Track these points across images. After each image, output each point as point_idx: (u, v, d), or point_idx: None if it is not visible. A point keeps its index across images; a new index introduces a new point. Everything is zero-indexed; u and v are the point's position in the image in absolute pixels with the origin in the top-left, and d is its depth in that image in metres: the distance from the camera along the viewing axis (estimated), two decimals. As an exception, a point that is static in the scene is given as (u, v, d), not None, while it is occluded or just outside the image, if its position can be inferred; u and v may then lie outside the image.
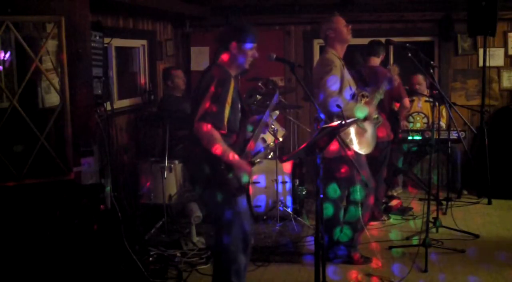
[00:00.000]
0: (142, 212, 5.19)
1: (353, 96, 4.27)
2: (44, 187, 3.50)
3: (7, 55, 3.71)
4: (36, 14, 3.48)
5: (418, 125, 6.40)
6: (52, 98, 3.88)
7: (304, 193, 5.84)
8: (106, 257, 3.72)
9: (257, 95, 5.41)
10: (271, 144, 5.17)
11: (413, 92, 6.25)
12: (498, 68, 6.81)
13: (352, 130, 4.19)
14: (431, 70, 4.52)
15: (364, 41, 5.57)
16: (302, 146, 3.16)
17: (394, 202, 5.80)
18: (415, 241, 4.80)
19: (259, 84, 5.55)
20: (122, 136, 5.61)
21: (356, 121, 4.15)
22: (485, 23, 6.10)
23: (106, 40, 4.78)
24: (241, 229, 3.26)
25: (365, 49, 5.44)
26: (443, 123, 6.24)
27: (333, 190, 4.29)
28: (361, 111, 4.14)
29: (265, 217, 5.44)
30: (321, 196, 3.14)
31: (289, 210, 5.40)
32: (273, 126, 5.13)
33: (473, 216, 5.64)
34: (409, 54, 4.35)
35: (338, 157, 4.08)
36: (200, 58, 7.11)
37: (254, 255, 3.81)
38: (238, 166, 3.14)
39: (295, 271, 4.30)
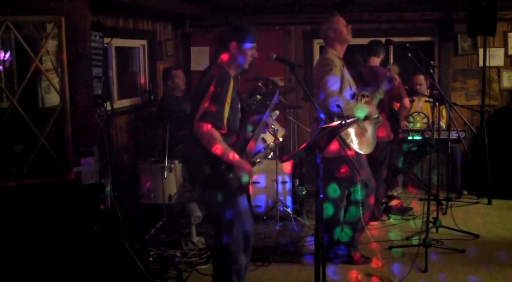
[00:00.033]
0: (142, 212, 5.19)
1: (353, 96, 4.27)
2: (44, 187, 3.50)
3: (7, 55, 3.71)
4: (36, 14, 3.48)
5: (418, 125, 6.40)
6: (52, 98, 3.88)
7: (304, 193, 5.84)
8: (106, 257, 3.72)
9: (257, 95, 5.41)
10: (271, 143, 5.17)
11: (413, 92, 6.25)
12: (498, 68, 6.81)
13: (352, 130, 4.19)
14: (431, 70, 4.52)
15: (364, 41, 5.57)
16: (302, 146, 3.15)
17: (394, 202, 5.80)
18: (415, 241, 4.80)
19: (259, 84, 5.55)
20: (122, 136, 5.61)
21: (356, 121, 4.15)
22: (485, 23, 6.10)
23: (106, 40, 4.78)
24: (242, 229, 3.26)
25: (365, 49, 5.44)
26: (443, 124, 6.25)
27: (333, 190, 4.29)
28: (361, 111, 4.14)
29: (265, 217, 5.44)
30: (321, 196, 3.14)
31: (289, 210, 5.40)
32: (273, 126, 5.13)
33: (473, 216, 5.64)
34: (409, 54, 4.35)
35: (338, 157, 4.08)
36: (200, 58, 7.11)
37: (254, 255, 3.81)
38: (238, 165, 3.14)
39: (295, 271, 4.30)
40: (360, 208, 4.31)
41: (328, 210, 4.25)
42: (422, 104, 6.44)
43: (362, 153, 4.26)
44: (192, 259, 4.48)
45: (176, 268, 4.32)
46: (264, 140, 5.09)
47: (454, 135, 5.54)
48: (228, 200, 3.20)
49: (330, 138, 3.22)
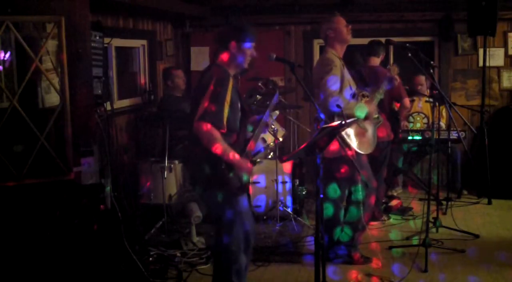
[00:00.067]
0: (142, 212, 5.19)
1: (354, 96, 4.27)
2: (44, 187, 3.50)
3: (7, 55, 3.71)
4: (36, 14, 3.48)
5: (418, 125, 6.40)
6: (52, 98, 3.88)
7: (304, 193, 5.84)
8: (106, 257, 3.72)
9: (257, 95, 5.41)
10: (271, 143, 5.19)
11: (413, 92, 6.25)
12: (498, 68, 6.81)
13: (353, 130, 4.19)
14: (431, 70, 4.52)
15: (364, 41, 5.57)
16: (302, 146, 3.15)
17: (394, 202, 5.80)
18: (415, 241, 4.80)
19: (259, 84, 5.55)
20: (122, 136, 5.61)
21: (356, 121, 4.15)
22: (485, 23, 6.10)
23: (106, 40, 4.78)
24: (242, 229, 3.26)
25: (365, 49, 5.44)
26: (443, 124, 6.25)
27: (333, 190, 4.29)
28: (361, 111, 4.14)
29: (265, 217, 5.44)
30: (321, 196, 3.14)
31: (289, 210, 5.40)
32: (273, 126, 5.14)
33: (473, 216, 5.64)
34: (409, 54, 4.35)
35: (338, 157, 4.08)
36: (200, 58, 7.11)
37: (254, 255, 3.81)
38: (238, 165, 3.14)
39: (295, 271, 4.30)
40: (361, 208, 4.31)
41: (328, 210, 4.25)
42: (422, 104, 6.44)
43: (363, 153, 4.26)
44: (192, 259, 4.48)
45: (176, 268, 4.32)
46: (264, 140, 5.10)
47: (454, 135, 5.53)
48: (228, 200, 3.20)
49: (330, 138, 3.22)
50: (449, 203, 5.74)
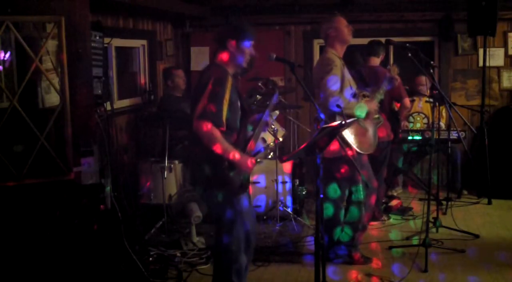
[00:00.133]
0: (142, 212, 5.19)
1: (354, 96, 4.27)
2: (44, 187, 3.50)
3: (7, 55, 3.71)
4: (36, 14, 3.48)
5: (418, 125, 6.40)
6: (52, 98, 3.88)
7: (304, 193, 5.84)
8: (106, 257, 3.72)
9: (257, 95, 5.41)
10: (271, 143, 5.19)
11: (413, 92, 6.25)
12: (498, 68, 6.81)
13: (353, 130, 4.19)
14: (431, 70, 4.52)
15: (364, 41, 5.56)
16: (302, 146, 3.15)
17: (394, 202, 5.80)
18: (415, 241, 4.80)
19: (259, 84, 5.55)
20: (122, 136, 5.61)
21: (357, 121, 4.14)
22: (485, 23, 6.10)
23: (106, 40, 4.78)
24: (243, 229, 3.26)
25: (365, 49, 5.44)
26: (443, 124, 6.25)
27: (333, 190, 4.29)
28: (361, 111, 4.14)
29: (265, 217, 5.44)
30: (321, 196, 3.14)
31: (289, 210, 5.40)
32: (273, 126, 5.14)
33: (473, 216, 5.64)
34: (409, 54, 4.35)
35: (339, 157, 4.08)
36: (200, 58, 7.11)
37: (254, 255, 3.81)
38: (240, 163, 3.14)
39: (295, 271, 4.30)
40: (362, 208, 4.31)
41: (328, 210, 4.25)
42: (422, 105, 6.44)
43: (363, 153, 4.26)
44: (192, 259, 4.48)
45: (176, 268, 4.32)
46: (264, 140, 5.10)
47: (454, 135, 5.54)
48: (228, 200, 3.20)
49: (330, 138, 3.22)
50: (449, 203, 5.74)
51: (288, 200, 5.48)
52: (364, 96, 4.35)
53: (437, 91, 4.49)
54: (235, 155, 3.11)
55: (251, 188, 5.07)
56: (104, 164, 3.79)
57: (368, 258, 4.43)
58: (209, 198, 3.27)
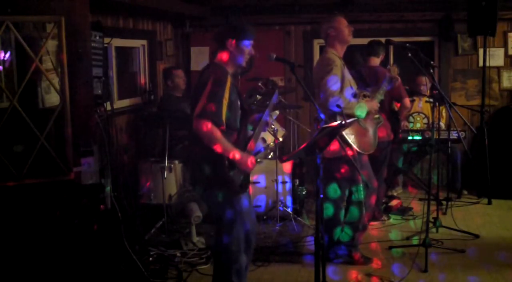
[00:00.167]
0: (142, 212, 5.19)
1: (355, 96, 4.27)
2: (44, 187, 3.50)
3: (7, 55, 3.71)
4: (36, 14, 3.48)
5: (418, 125, 6.40)
6: (52, 98, 3.88)
7: (304, 193, 5.84)
8: (106, 257, 3.72)
9: (257, 95, 5.41)
10: (271, 143, 5.19)
11: (413, 92, 6.25)
12: (498, 68, 6.81)
13: (354, 130, 4.19)
14: (431, 70, 4.52)
15: (364, 41, 5.56)
16: (302, 146, 3.15)
17: (394, 202, 5.80)
18: (415, 241, 4.80)
19: (259, 84, 5.55)
20: (122, 136, 5.61)
21: (357, 121, 4.14)
22: (485, 23, 6.10)
23: (106, 40, 4.77)
24: (243, 229, 3.26)
25: (365, 49, 5.44)
26: (443, 124, 6.24)
27: (333, 190, 4.29)
28: (361, 111, 4.14)
29: (265, 217, 5.44)
30: (321, 196, 3.14)
31: (289, 210, 5.40)
32: (273, 126, 5.14)
33: (473, 216, 5.64)
34: (409, 54, 4.35)
35: (339, 157, 4.08)
36: (200, 58, 7.11)
37: (254, 255, 3.82)
38: (241, 162, 3.14)
39: (295, 271, 4.30)
40: (362, 208, 4.31)
41: (328, 210, 4.25)
42: (422, 105, 6.44)
43: (364, 152, 4.26)
44: (192, 259, 4.48)
45: (176, 268, 4.32)
46: (264, 140, 5.10)
47: (454, 135, 5.54)
48: (229, 200, 3.20)
49: (330, 138, 3.22)
50: (449, 203, 5.74)
51: (288, 200, 5.48)
52: (364, 96, 4.35)
53: (437, 91, 4.49)
54: (235, 154, 3.11)
55: (251, 188, 5.07)
56: (104, 164, 3.79)
57: (368, 258, 4.42)
58: (209, 198, 3.26)
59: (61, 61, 3.54)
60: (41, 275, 3.42)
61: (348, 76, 4.26)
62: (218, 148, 3.07)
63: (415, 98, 6.39)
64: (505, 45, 6.77)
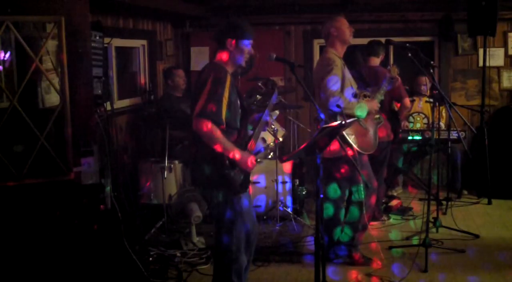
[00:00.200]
0: (142, 212, 5.19)
1: (355, 96, 4.27)
2: (44, 187, 3.50)
3: (7, 55, 3.71)
4: (36, 14, 3.48)
5: (418, 125, 6.40)
6: (52, 98, 3.88)
7: (304, 193, 5.84)
8: (106, 257, 3.72)
9: (257, 95, 5.41)
10: (271, 143, 5.18)
11: (413, 92, 6.25)
12: (498, 68, 6.81)
13: (354, 130, 4.19)
14: (431, 70, 4.52)
15: (364, 41, 5.56)
16: (302, 146, 3.15)
17: (394, 202, 5.80)
18: (415, 241, 4.80)
19: (259, 84, 5.55)
20: (122, 136, 5.61)
21: (357, 121, 4.14)
22: (485, 23, 6.10)
23: (106, 40, 4.77)
24: (243, 229, 3.26)
25: (365, 49, 5.44)
26: (442, 124, 6.24)
27: (333, 190, 4.29)
28: (361, 111, 4.14)
29: (265, 217, 5.44)
30: (321, 196, 3.14)
31: (289, 210, 5.40)
32: (273, 126, 5.13)
33: (473, 216, 5.64)
34: (409, 54, 4.35)
35: (339, 157, 4.08)
36: (200, 58, 7.11)
37: (254, 255, 3.81)
38: (241, 161, 3.14)
39: (295, 271, 4.30)
40: (362, 208, 4.31)
41: (328, 210, 4.25)
42: (422, 105, 6.44)
43: (364, 152, 4.26)
44: (192, 259, 4.48)
45: (176, 268, 4.32)
46: (264, 140, 5.09)
47: (454, 135, 5.54)
48: (229, 200, 3.20)
49: (330, 138, 3.22)
50: (449, 203, 5.74)
51: (288, 200, 5.48)
52: (365, 96, 4.35)
53: (437, 91, 4.49)
54: (236, 154, 3.10)
55: (251, 188, 5.07)
56: (104, 164, 3.79)
57: (368, 259, 4.42)
58: (210, 198, 3.26)
59: (61, 61, 3.54)
60: (41, 275, 3.42)
61: (348, 76, 4.26)
62: (218, 148, 3.07)
63: (415, 98, 6.39)
64: (505, 45, 6.77)
